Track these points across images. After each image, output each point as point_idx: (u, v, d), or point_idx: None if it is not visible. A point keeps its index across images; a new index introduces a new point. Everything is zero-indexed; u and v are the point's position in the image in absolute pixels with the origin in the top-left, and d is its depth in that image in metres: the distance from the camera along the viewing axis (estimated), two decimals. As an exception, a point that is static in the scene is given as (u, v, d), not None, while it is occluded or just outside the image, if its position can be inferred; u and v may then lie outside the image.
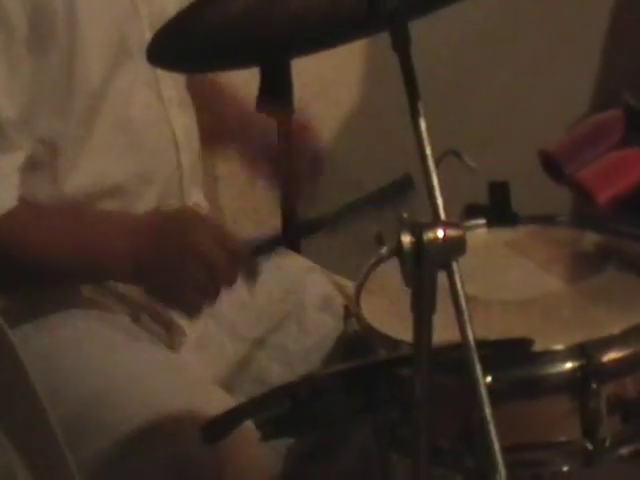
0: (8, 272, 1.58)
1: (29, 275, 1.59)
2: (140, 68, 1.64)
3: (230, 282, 1.59)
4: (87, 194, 1.63)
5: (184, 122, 1.75)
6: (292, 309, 1.78)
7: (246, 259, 1.63)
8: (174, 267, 1.58)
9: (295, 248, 2.00)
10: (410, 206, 1.21)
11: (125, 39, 1.65)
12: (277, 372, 1.73)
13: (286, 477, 1.70)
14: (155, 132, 1.70)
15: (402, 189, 1.79)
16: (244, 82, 2.05)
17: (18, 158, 1.57)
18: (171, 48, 1.29)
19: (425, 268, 1.17)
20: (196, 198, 1.78)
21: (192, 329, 1.71)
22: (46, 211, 1.62)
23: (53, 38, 1.57)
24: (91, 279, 1.65)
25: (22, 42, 1.55)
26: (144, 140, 1.68)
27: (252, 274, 1.69)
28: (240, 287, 1.74)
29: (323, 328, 1.77)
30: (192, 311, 1.62)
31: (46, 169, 1.61)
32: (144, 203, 1.68)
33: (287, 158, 1.86)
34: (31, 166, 1.59)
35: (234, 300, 1.75)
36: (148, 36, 1.61)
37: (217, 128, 1.92)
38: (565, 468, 1.58)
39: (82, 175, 1.63)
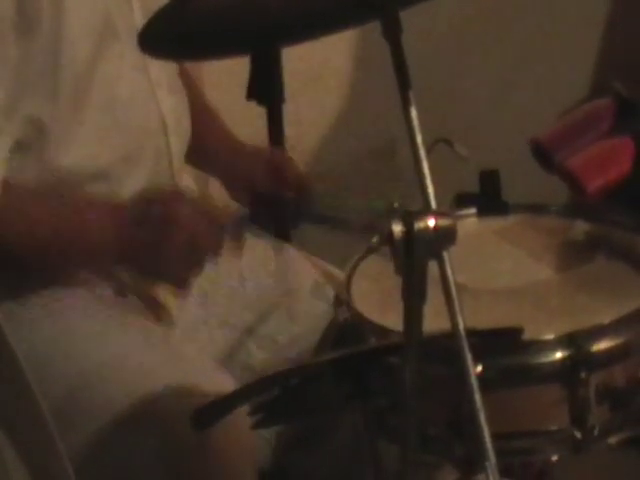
0: None
1: (10, 261, 1.57)
2: (127, 51, 1.62)
3: (214, 250, 1.59)
4: (75, 175, 1.62)
5: (173, 106, 1.73)
6: (282, 298, 1.78)
7: (230, 227, 1.63)
8: (157, 241, 1.57)
9: (285, 237, 2.01)
10: (401, 194, 1.21)
11: (112, 21, 1.63)
12: (266, 360, 1.73)
13: (275, 464, 1.70)
14: (142, 114, 1.68)
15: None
16: (233, 71, 2.06)
17: (4, 143, 1.56)
18: (163, 36, 1.28)
19: (416, 257, 1.17)
20: (186, 182, 1.77)
21: (182, 317, 1.70)
22: (29, 198, 1.60)
23: (39, 21, 1.55)
24: (78, 266, 1.64)
25: (9, 27, 1.53)
26: (131, 122, 1.67)
27: (237, 242, 1.69)
28: (230, 275, 1.75)
29: (313, 316, 1.77)
30: (180, 283, 1.62)
31: (34, 151, 1.59)
32: (132, 185, 1.66)
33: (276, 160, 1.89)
34: (19, 148, 1.58)
35: (224, 288, 1.75)
36: (137, 18, 1.65)
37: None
38: (554, 456, 1.60)
39: (70, 157, 1.61)
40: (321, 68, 2.41)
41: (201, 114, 1.88)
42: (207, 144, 1.87)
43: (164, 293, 1.68)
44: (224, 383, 1.50)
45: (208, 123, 1.90)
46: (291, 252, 1.88)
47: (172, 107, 1.72)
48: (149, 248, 1.59)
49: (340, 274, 1.76)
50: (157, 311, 1.68)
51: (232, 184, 1.88)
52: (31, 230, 1.58)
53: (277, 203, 1.85)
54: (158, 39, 1.30)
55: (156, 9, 1.61)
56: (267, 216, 1.89)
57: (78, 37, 1.59)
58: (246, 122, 2.03)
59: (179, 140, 1.75)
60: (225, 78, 1.97)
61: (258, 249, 1.82)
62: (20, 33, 1.54)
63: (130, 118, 1.66)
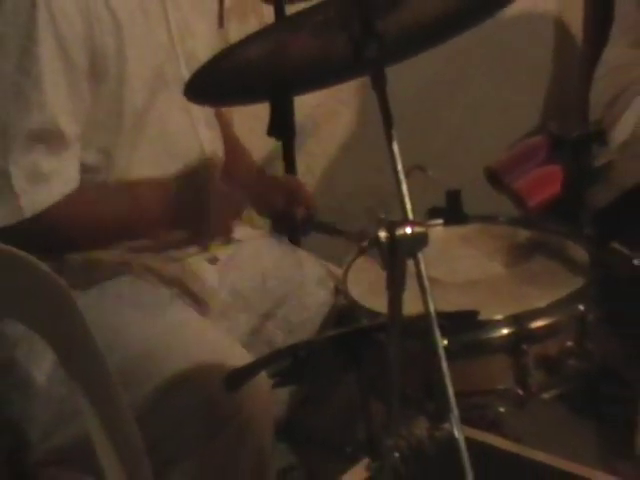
0: (63, 242, 1.56)
1: (92, 237, 1.59)
2: (175, 95, 1.59)
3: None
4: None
5: (210, 138, 1.72)
6: (294, 289, 1.76)
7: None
8: (200, 202, 1.61)
9: (297, 243, 2.01)
10: (386, 209, 1.21)
11: (163, 71, 1.62)
12: (282, 338, 1.72)
13: (288, 417, 1.69)
14: (186, 144, 1.67)
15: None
16: (257, 114, 2.05)
17: (77, 150, 1.55)
18: (202, 88, 1.29)
19: (397, 257, 1.17)
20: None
21: (214, 304, 1.69)
22: (92, 196, 1.59)
23: (106, 73, 1.55)
24: (140, 231, 1.63)
25: (83, 74, 1.53)
26: (177, 150, 1.66)
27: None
28: (254, 273, 1.75)
29: (318, 303, 1.75)
30: (225, 231, 1.69)
31: (102, 173, 1.59)
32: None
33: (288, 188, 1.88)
34: (91, 170, 1.58)
35: (249, 283, 1.75)
36: (183, 70, 1.65)
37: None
38: (502, 409, 1.59)
39: (131, 177, 1.61)
40: (326, 114, 2.40)
41: (233, 148, 1.87)
42: (237, 172, 1.85)
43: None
44: (242, 356, 1.49)
45: (238, 155, 1.89)
46: (301, 254, 1.86)
47: (209, 139, 1.71)
48: (194, 209, 1.61)
49: (338, 270, 1.76)
50: (198, 303, 1.66)
51: (257, 203, 1.88)
52: (97, 224, 1.59)
53: (291, 218, 1.84)
54: (199, 90, 1.30)
55: (197, 63, 1.62)
56: (284, 227, 1.89)
57: (137, 85, 1.59)
58: (266, 154, 2.02)
59: (215, 162, 1.73)
60: (250, 120, 1.96)
61: (276, 252, 1.82)
62: (92, 81, 1.54)
63: (176, 147, 1.66)
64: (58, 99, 1.51)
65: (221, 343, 1.54)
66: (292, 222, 1.85)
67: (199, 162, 1.69)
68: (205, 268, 1.68)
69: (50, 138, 1.52)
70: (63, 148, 1.53)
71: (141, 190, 1.63)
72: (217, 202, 1.63)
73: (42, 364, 1.52)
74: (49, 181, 1.52)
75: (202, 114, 1.69)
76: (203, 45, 1.70)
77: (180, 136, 1.66)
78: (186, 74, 1.63)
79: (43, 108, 1.50)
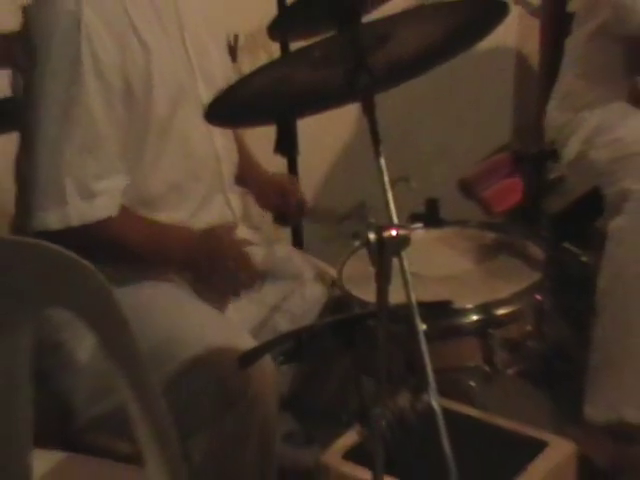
0: (110, 254, 1.53)
1: (122, 257, 1.55)
2: (194, 108, 1.59)
3: (246, 287, 1.59)
4: (159, 190, 1.59)
5: (224, 144, 1.70)
6: (296, 286, 1.74)
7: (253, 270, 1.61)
8: (210, 269, 1.56)
9: (300, 247, 2.01)
10: (374, 214, 1.21)
11: (183, 89, 1.60)
12: (286, 327, 1.70)
13: (291, 391, 1.69)
14: (203, 150, 1.65)
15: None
16: (266, 134, 2.05)
17: (122, 180, 1.54)
18: (219, 112, 1.28)
19: (384, 255, 1.16)
20: (232, 198, 1.73)
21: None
22: (137, 220, 1.58)
23: (136, 89, 1.53)
24: (160, 264, 1.61)
25: (117, 94, 1.50)
26: (196, 155, 1.63)
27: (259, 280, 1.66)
28: (264, 272, 1.72)
29: (317, 295, 1.74)
30: (233, 292, 1.62)
31: (132, 179, 1.56)
32: (196, 195, 1.64)
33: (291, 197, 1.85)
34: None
35: (259, 280, 1.72)
36: (200, 86, 1.63)
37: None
38: (472, 383, 1.60)
39: (157, 178, 1.58)
40: (322, 133, 2.39)
41: (245, 158, 1.85)
42: (247, 175, 1.83)
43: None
44: (249, 342, 1.48)
45: (248, 164, 1.87)
46: (302, 255, 1.85)
47: (223, 146, 1.69)
48: (204, 267, 1.57)
49: (331, 269, 1.76)
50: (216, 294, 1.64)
51: (260, 199, 1.85)
52: (135, 242, 1.56)
53: (285, 209, 1.82)
54: (217, 114, 1.29)
55: (211, 80, 1.61)
56: (281, 217, 1.86)
57: (161, 99, 1.56)
58: (274, 168, 2.02)
59: (228, 167, 1.71)
60: (260, 139, 1.95)
61: (282, 253, 1.80)
62: (125, 100, 1.52)
63: (195, 153, 1.63)
64: (102, 120, 1.50)
65: (232, 331, 1.53)
66: (286, 213, 1.83)
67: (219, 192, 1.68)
68: None
69: (101, 157, 1.50)
70: (112, 169, 1.51)
71: (171, 232, 1.60)
72: (225, 265, 1.57)
73: (84, 345, 1.51)
74: (96, 199, 1.50)
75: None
76: (216, 65, 1.69)
77: (198, 144, 1.64)
78: (203, 89, 1.63)
79: (90, 127, 1.48)
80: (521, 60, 2.68)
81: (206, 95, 1.61)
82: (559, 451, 1.45)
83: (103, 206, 1.50)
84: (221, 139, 1.68)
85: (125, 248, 1.54)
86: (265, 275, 1.68)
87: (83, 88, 1.47)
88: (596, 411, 1.91)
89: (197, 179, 1.63)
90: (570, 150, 2.09)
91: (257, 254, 1.71)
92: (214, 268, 1.56)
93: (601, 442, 1.91)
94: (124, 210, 1.54)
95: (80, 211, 1.48)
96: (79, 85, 1.47)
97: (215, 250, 1.57)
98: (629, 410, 1.87)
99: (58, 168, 1.47)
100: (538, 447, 1.44)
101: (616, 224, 1.88)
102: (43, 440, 1.17)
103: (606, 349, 1.90)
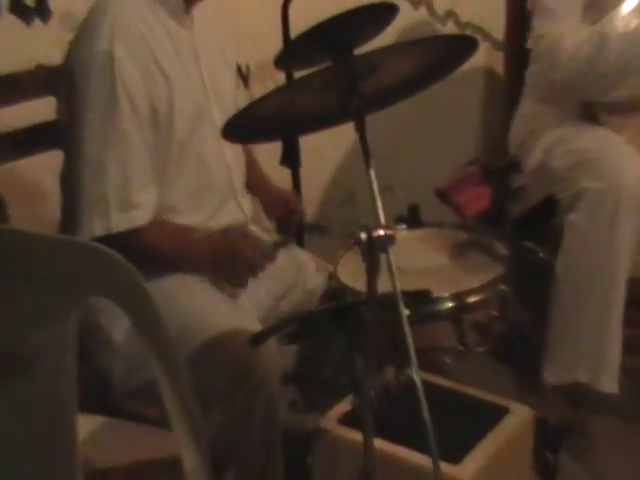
0: (143, 258, 1.52)
1: (153, 261, 1.52)
2: (208, 127, 1.58)
3: (262, 269, 1.58)
4: (179, 199, 1.59)
5: (233, 157, 1.68)
6: (299, 279, 1.74)
7: (269, 256, 1.60)
8: (231, 265, 1.56)
9: (301, 245, 2.00)
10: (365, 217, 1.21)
11: (200, 110, 1.59)
12: (289, 313, 1.69)
13: (294, 369, 1.68)
14: (216, 163, 1.64)
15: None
16: (273, 149, 2.05)
17: (154, 193, 1.54)
18: (233, 130, 1.28)
19: (373, 252, 1.17)
20: (243, 202, 1.72)
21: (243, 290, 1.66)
22: (165, 227, 1.57)
23: (159, 117, 1.52)
24: (185, 267, 1.60)
25: (146, 119, 1.50)
26: (210, 167, 1.62)
27: (271, 262, 1.65)
28: (270, 268, 1.70)
29: (316, 286, 1.73)
30: (239, 286, 1.60)
31: (158, 187, 1.55)
32: (210, 203, 1.63)
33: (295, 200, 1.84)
34: None
35: (267, 273, 1.70)
36: (214, 109, 1.61)
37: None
38: (448, 360, 1.60)
39: (177, 188, 1.57)
40: (321, 148, 2.39)
41: (255, 169, 1.84)
42: (257, 187, 1.82)
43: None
44: (257, 328, 1.46)
45: (257, 175, 1.85)
46: (303, 252, 1.84)
47: (233, 158, 1.68)
48: (226, 267, 1.57)
49: (328, 265, 1.75)
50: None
51: (267, 209, 1.83)
52: (165, 248, 1.56)
53: (287, 221, 1.80)
54: (232, 132, 1.29)
55: (223, 103, 1.61)
56: (285, 227, 1.83)
57: (181, 121, 1.55)
58: (279, 178, 2.02)
59: (238, 177, 1.70)
60: (268, 153, 1.95)
61: (286, 254, 1.77)
62: (152, 124, 1.51)
63: (210, 166, 1.62)
64: (136, 141, 1.49)
65: (243, 319, 1.52)
66: (288, 225, 1.81)
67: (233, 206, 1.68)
68: None
69: (137, 173, 1.50)
70: (145, 184, 1.51)
71: (195, 240, 1.60)
72: (240, 263, 1.57)
73: (120, 328, 1.51)
74: (133, 211, 1.50)
75: (228, 142, 1.66)
76: (227, 89, 1.67)
77: (211, 158, 1.63)
78: (216, 112, 1.62)
79: (126, 148, 1.49)
80: (488, 88, 2.68)
81: (218, 116, 1.60)
82: (519, 415, 1.46)
83: (139, 217, 1.51)
84: (231, 153, 1.68)
85: (155, 252, 1.54)
86: (274, 259, 1.66)
87: (118, 114, 1.47)
88: (553, 375, 1.93)
89: (211, 188, 1.63)
90: (530, 163, 2.10)
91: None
92: (232, 260, 1.56)
93: (555, 405, 1.92)
94: (154, 220, 1.54)
95: (119, 221, 1.49)
96: (114, 112, 1.47)
97: (232, 244, 1.56)
98: (581, 372, 1.89)
99: (101, 184, 1.48)
100: (502, 412, 1.46)
101: (572, 220, 1.89)
102: (86, 407, 1.17)
103: (562, 323, 1.91)
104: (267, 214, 1.84)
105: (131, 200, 1.50)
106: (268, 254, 1.60)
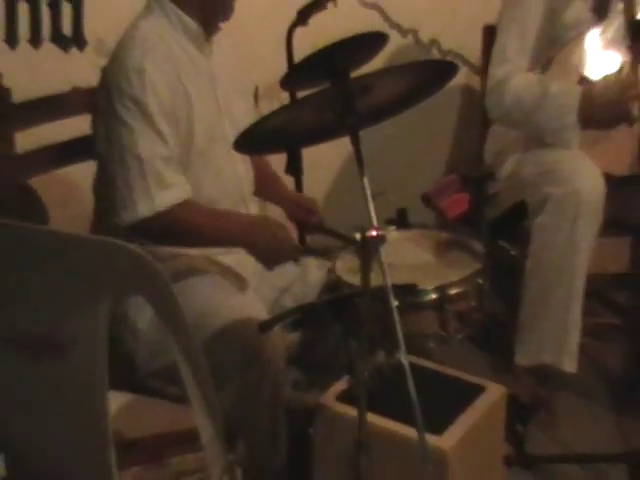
0: (177, 236, 1.52)
1: (188, 239, 1.53)
2: (222, 142, 1.57)
3: (293, 260, 1.58)
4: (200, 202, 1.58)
5: (244, 168, 1.67)
6: (301, 273, 1.72)
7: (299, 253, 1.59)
8: (267, 246, 1.52)
9: (304, 243, 1.99)
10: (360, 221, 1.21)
11: (215, 127, 1.59)
12: (292, 304, 1.66)
13: (297, 352, 1.66)
14: (229, 173, 1.63)
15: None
16: (279, 159, 2.05)
17: (185, 177, 1.53)
18: (244, 143, 1.28)
19: (367, 250, 1.17)
20: (251, 207, 1.70)
21: (250, 283, 1.63)
22: (203, 207, 1.55)
23: (181, 128, 1.52)
24: (224, 245, 1.58)
25: (172, 124, 1.50)
26: (224, 177, 1.61)
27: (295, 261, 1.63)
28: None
29: (316, 280, 1.71)
30: (269, 268, 1.57)
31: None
32: (224, 206, 1.61)
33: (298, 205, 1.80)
34: None
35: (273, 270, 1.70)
36: (226, 125, 1.60)
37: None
38: (432, 345, 1.59)
39: (198, 194, 1.56)
40: (321, 158, 2.38)
41: (270, 175, 1.83)
42: (279, 194, 1.81)
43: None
44: (264, 316, 1.46)
45: (273, 179, 1.84)
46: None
47: (243, 170, 1.67)
48: (259, 244, 1.53)
49: (328, 261, 1.73)
50: (241, 282, 1.61)
51: (290, 214, 1.81)
52: (205, 223, 1.53)
53: (306, 223, 1.79)
54: (243, 145, 1.29)
55: (235, 121, 1.58)
56: (303, 229, 1.86)
57: (199, 135, 1.55)
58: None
59: (247, 185, 1.69)
60: (274, 162, 1.93)
61: None
62: (176, 130, 1.51)
63: (224, 176, 1.61)
64: (172, 141, 1.50)
65: (251, 308, 1.52)
66: (306, 227, 1.80)
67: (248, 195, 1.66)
68: (248, 260, 1.61)
69: (173, 162, 1.50)
70: (179, 169, 1.51)
71: (231, 217, 1.59)
72: (275, 246, 1.54)
73: (144, 317, 1.50)
74: (171, 189, 1.49)
75: (238, 155, 1.64)
76: (238, 109, 1.66)
77: (225, 169, 1.62)
78: (228, 128, 1.60)
79: (165, 143, 1.49)
80: (467, 105, 2.66)
81: (230, 132, 1.58)
82: (494, 393, 1.45)
83: (178, 193, 1.50)
84: (242, 166, 1.67)
85: (195, 227, 1.51)
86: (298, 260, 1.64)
87: (149, 113, 1.47)
88: (523, 357, 1.93)
89: (225, 194, 1.62)
90: (503, 172, 2.09)
91: None
92: (268, 242, 1.52)
93: (525, 384, 1.92)
94: (192, 201, 1.53)
95: (162, 199, 1.48)
96: (145, 111, 1.47)
97: (272, 228, 1.54)
98: (546, 355, 1.89)
99: (140, 171, 1.47)
100: (479, 390, 1.45)
101: (539, 221, 1.89)
102: (115, 386, 1.16)
103: (531, 312, 1.91)
104: (290, 218, 1.81)
105: (167, 180, 1.49)
106: (299, 252, 1.58)
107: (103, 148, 1.54)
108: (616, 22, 1.92)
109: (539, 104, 1.90)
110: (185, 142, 1.53)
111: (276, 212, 1.82)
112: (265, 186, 1.79)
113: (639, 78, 1.86)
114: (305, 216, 1.77)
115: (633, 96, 1.86)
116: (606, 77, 1.90)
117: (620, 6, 1.91)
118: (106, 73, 1.54)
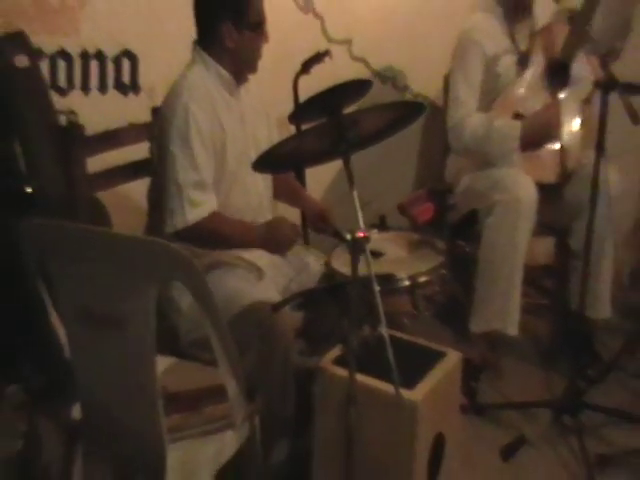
0: (209, 241, 1.53)
1: (217, 243, 1.55)
2: (248, 165, 1.51)
3: (295, 240, 1.60)
4: (230, 214, 1.57)
5: (264, 186, 1.66)
6: (304, 265, 1.69)
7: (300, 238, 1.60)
8: (276, 241, 1.57)
9: (307, 243, 1.95)
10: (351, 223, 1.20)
11: (242, 152, 1.58)
12: (298, 289, 1.62)
13: (302, 327, 1.61)
14: (253, 190, 1.62)
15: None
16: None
17: (214, 197, 1.54)
18: (262, 166, 1.27)
19: (355, 247, 1.16)
20: (268, 216, 1.68)
21: (266, 271, 1.60)
22: (226, 217, 1.56)
23: (217, 154, 1.53)
24: (242, 245, 1.58)
25: (210, 153, 1.51)
26: (249, 193, 1.61)
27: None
28: (284, 258, 1.66)
29: (316, 271, 1.68)
30: (282, 253, 1.60)
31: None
32: (248, 217, 1.61)
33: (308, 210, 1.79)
34: None
35: (283, 262, 1.66)
36: (251, 151, 1.59)
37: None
38: (406, 321, 1.58)
39: (228, 208, 1.56)
40: (321, 176, 2.33)
41: (294, 186, 1.82)
42: (298, 199, 1.81)
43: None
44: (277, 298, 1.45)
45: (297, 190, 1.83)
46: (308, 248, 1.79)
47: (263, 187, 1.66)
48: (271, 241, 1.57)
49: (326, 256, 1.70)
50: (259, 271, 1.59)
51: (309, 219, 1.80)
52: (229, 232, 1.55)
53: (319, 226, 1.76)
54: (260, 166, 1.28)
55: (260, 148, 1.54)
56: (317, 230, 1.79)
57: (231, 160, 1.56)
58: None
59: (267, 201, 1.68)
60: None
61: (297, 247, 1.71)
62: (211, 158, 1.52)
63: (249, 192, 1.62)
64: (206, 165, 1.51)
65: (267, 292, 1.50)
66: (319, 229, 1.76)
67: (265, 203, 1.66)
68: (263, 255, 1.60)
69: (202, 185, 1.51)
70: (207, 190, 1.52)
71: (247, 225, 1.60)
72: (281, 239, 1.59)
73: (185, 299, 1.49)
74: (200, 206, 1.51)
75: (260, 175, 1.64)
76: (263, 138, 1.65)
77: (250, 186, 1.62)
78: (253, 153, 1.58)
79: (197, 170, 1.50)
80: (431, 137, 2.64)
81: (255, 157, 1.58)
82: (453, 357, 1.44)
83: (204, 210, 1.51)
84: (262, 184, 1.66)
85: (220, 234, 1.54)
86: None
87: (191, 146, 1.49)
88: (477, 326, 1.92)
89: (249, 205, 1.62)
90: (460, 188, 2.09)
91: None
92: (277, 238, 1.57)
93: (478, 349, 1.91)
94: (218, 212, 1.54)
95: (192, 214, 1.50)
96: (188, 144, 1.49)
97: (277, 227, 1.58)
98: (495, 322, 1.88)
99: (178, 193, 1.50)
100: (441, 355, 1.44)
101: (489, 222, 1.89)
102: (162, 351, 1.17)
103: (482, 292, 1.91)
104: (310, 224, 1.80)
105: (197, 201, 1.51)
106: (298, 234, 1.61)
107: (155, 167, 1.55)
108: (538, 69, 1.96)
109: (488, 136, 1.93)
110: (219, 164, 1.54)
111: (286, 211, 1.80)
112: (292, 195, 1.79)
113: (559, 110, 1.91)
114: (318, 221, 1.76)
115: (555, 123, 1.91)
116: (535, 112, 1.93)
117: (539, 58, 1.96)
118: (161, 110, 1.56)
